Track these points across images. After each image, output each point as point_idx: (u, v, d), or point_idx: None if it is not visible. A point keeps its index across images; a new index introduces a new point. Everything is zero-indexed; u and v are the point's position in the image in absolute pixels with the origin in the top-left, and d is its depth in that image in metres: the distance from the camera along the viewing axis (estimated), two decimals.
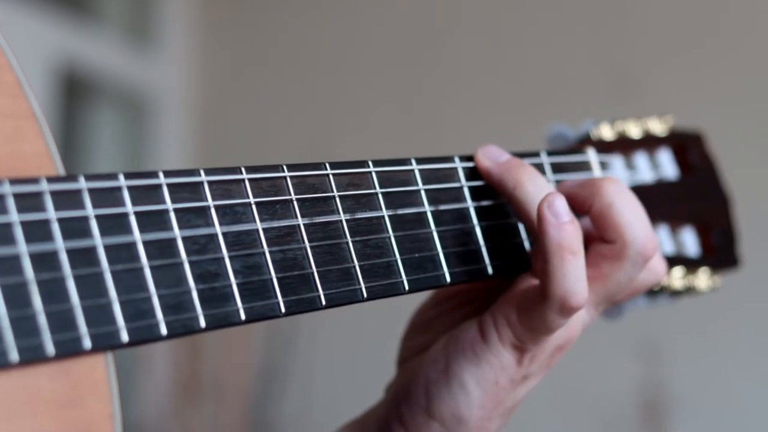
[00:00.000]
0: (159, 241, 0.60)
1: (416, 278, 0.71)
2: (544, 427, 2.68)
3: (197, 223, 0.62)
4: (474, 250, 0.75)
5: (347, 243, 0.68)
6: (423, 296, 0.82)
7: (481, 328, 0.75)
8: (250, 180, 0.65)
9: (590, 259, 0.75)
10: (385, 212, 0.71)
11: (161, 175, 0.61)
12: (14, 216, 0.55)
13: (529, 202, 0.74)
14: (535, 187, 0.74)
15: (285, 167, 0.67)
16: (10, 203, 0.55)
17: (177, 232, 0.61)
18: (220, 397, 2.70)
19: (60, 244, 0.56)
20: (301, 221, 0.66)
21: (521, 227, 0.78)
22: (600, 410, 2.58)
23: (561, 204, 0.72)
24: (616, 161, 0.86)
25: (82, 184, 0.58)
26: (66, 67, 2.76)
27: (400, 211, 0.72)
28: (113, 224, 0.58)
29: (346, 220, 0.69)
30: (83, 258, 0.57)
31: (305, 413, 2.72)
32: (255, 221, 0.64)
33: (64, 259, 0.56)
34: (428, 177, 0.74)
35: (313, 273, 0.66)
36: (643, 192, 0.83)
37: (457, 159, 0.76)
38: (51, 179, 0.57)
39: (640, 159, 0.88)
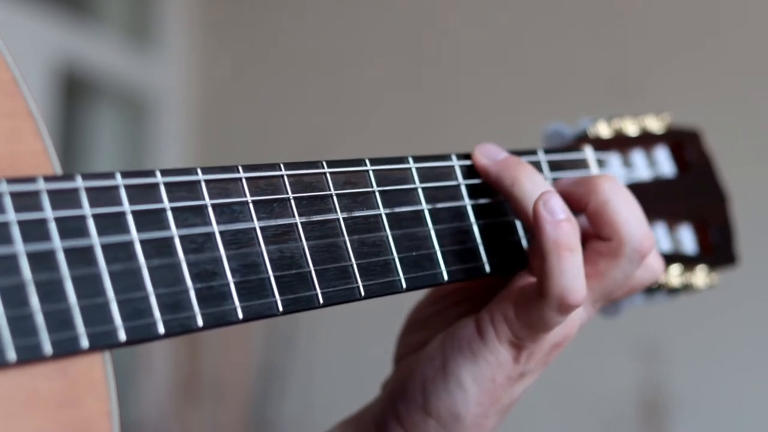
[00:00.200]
0: (156, 240, 0.60)
1: (414, 276, 0.71)
2: (543, 427, 2.68)
3: (194, 222, 0.62)
4: (471, 248, 0.75)
5: (344, 241, 0.68)
6: (421, 294, 0.82)
7: (478, 326, 0.75)
8: (247, 179, 0.65)
9: (587, 257, 0.75)
10: (382, 210, 0.71)
11: (158, 173, 0.61)
12: (11, 215, 0.55)
13: (527, 200, 0.74)
14: (533, 185, 0.74)
15: (282, 166, 0.67)
16: (7, 202, 0.55)
17: (174, 230, 0.61)
18: (219, 397, 2.70)
19: (57, 243, 0.56)
20: (298, 220, 0.66)
21: (518, 225, 0.78)
22: (600, 410, 2.58)
23: (556, 201, 0.72)
24: (613, 159, 0.86)
25: (79, 183, 0.58)
26: (66, 67, 2.76)
27: (398, 210, 0.72)
28: (110, 223, 0.58)
29: (344, 219, 0.69)
30: (80, 257, 0.57)
31: (305, 413, 2.72)
32: (252, 220, 0.64)
33: (61, 258, 0.56)
34: (425, 175, 0.74)
35: (310, 271, 0.66)
36: (640, 190, 0.83)
37: (454, 157, 0.76)
38: (48, 178, 0.57)
39: (637, 156, 0.88)
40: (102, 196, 0.58)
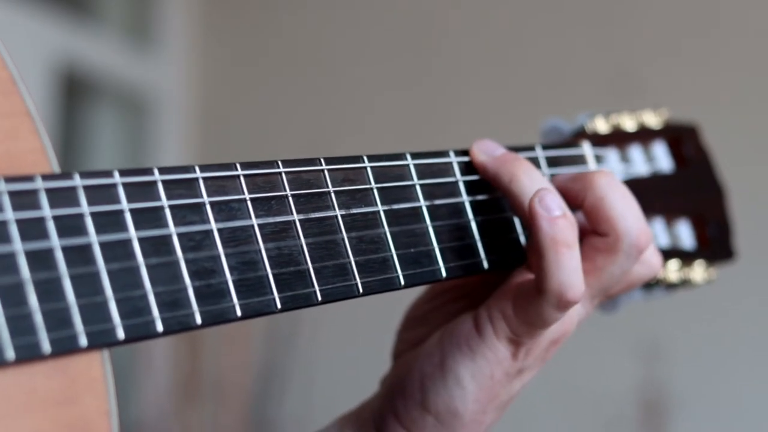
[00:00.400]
0: (154, 238, 0.60)
1: (412, 273, 0.71)
2: (544, 426, 2.68)
3: (192, 220, 0.62)
4: (469, 244, 0.75)
5: (343, 238, 0.68)
6: (420, 291, 0.82)
7: (476, 322, 0.75)
8: (245, 176, 0.65)
9: (584, 253, 0.75)
10: (380, 207, 0.71)
11: (156, 171, 0.61)
12: (9, 214, 0.55)
13: (525, 196, 0.74)
14: (531, 181, 0.74)
15: (280, 163, 0.67)
16: (5, 201, 0.55)
17: (172, 228, 0.61)
18: (220, 397, 2.70)
19: (55, 241, 0.56)
20: (296, 217, 0.66)
21: (517, 221, 0.78)
22: (600, 410, 2.58)
23: (552, 198, 0.72)
24: (611, 154, 0.86)
25: (77, 181, 0.58)
26: (66, 67, 2.76)
27: (396, 206, 0.72)
28: (108, 221, 0.58)
29: (342, 216, 0.69)
30: (79, 255, 0.57)
31: (305, 413, 2.72)
32: (250, 217, 0.64)
33: (59, 256, 0.56)
34: (423, 172, 0.74)
35: (308, 269, 0.66)
36: (637, 185, 0.83)
37: (452, 153, 0.76)
38: (46, 177, 0.57)
39: (635, 152, 0.88)
40: (100, 194, 0.58)
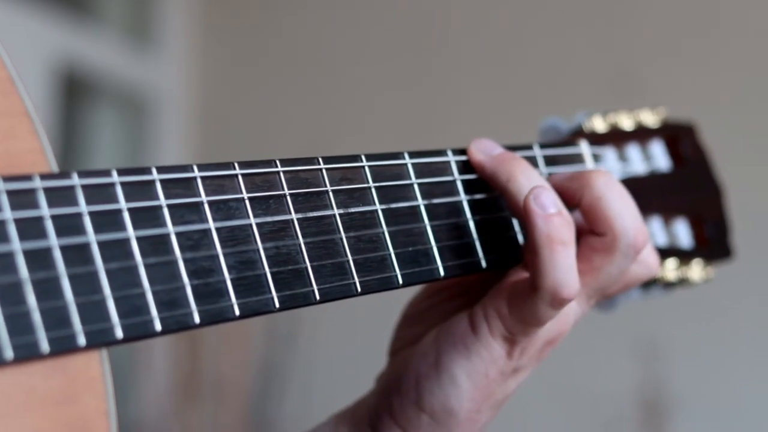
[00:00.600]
0: (152, 237, 0.60)
1: (410, 272, 0.71)
2: (543, 426, 2.68)
3: (191, 219, 0.62)
4: (468, 243, 0.75)
5: (341, 237, 0.68)
6: (417, 289, 0.82)
7: (472, 321, 0.75)
8: (243, 175, 0.65)
9: (581, 252, 0.75)
10: (378, 206, 0.71)
11: (154, 171, 0.61)
12: (8, 213, 0.55)
13: (522, 195, 0.74)
14: (528, 181, 0.74)
15: (278, 162, 0.67)
16: (4, 200, 0.55)
17: (170, 228, 0.61)
18: (220, 396, 2.70)
19: (54, 241, 0.56)
20: (294, 216, 0.66)
21: (515, 220, 0.78)
22: (600, 410, 2.58)
23: (547, 196, 0.72)
24: (609, 153, 0.86)
25: (75, 180, 0.58)
26: (66, 67, 2.76)
27: (394, 205, 0.72)
28: (107, 221, 0.58)
29: (340, 215, 0.69)
30: (77, 255, 0.57)
31: (305, 413, 2.72)
32: (248, 216, 0.64)
33: (57, 256, 0.56)
34: (421, 171, 0.74)
35: (306, 268, 0.66)
36: (635, 184, 0.83)
37: (450, 152, 0.76)
38: (44, 176, 0.57)
39: (633, 151, 0.89)
40: (98, 193, 0.58)
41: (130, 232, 0.59)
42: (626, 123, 0.89)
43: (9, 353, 0.53)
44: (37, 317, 0.54)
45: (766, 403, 2.54)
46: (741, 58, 2.63)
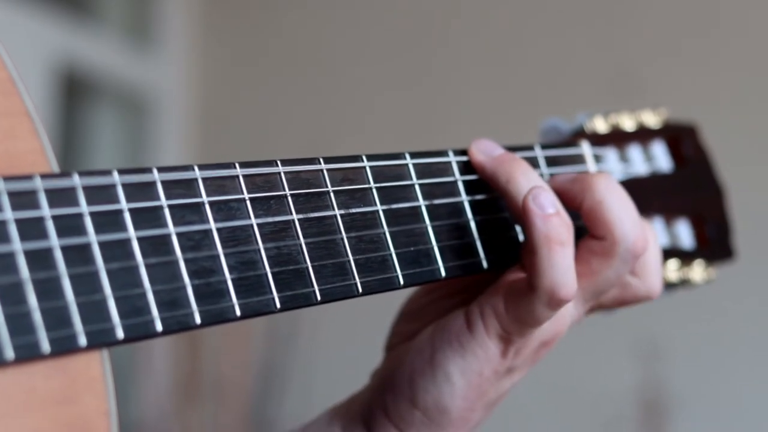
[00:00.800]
0: (153, 238, 0.60)
1: (411, 273, 0.71)
2: (543, 426, 2.68)
3: (192, 219, 0.62)
4: (469, 244, 0.75)
5: (342, 238, 0.68)
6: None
7: (468, 319, 0.75)
8: (244, 176, 0.65)
9: (580, 255, 0.75)
10: (379, 207, 0.71)
11: (155, 171, 0.61)
12: (8, 213, 0.55)
13: (521, 196, 0.74)
14: (528, 181, 0.74)
15: (279, 162, 0.67)
16: (4, 201, 0.55)
17: (171, 228, 0.61)
18: (220, 397, 2.70)
19: (54, 241, 0.56)
20: (295, 216, 0.66)
21: None
22: (600, 410, 2.58)
23: (546, 196, 0.72)
24: (610, 154, 0.86)
25: (76, 181, 0.58)
26: (66, 67, 2.76)
27: (395, 206, 0.72)
28: (108, 221, 0.58)
29: (341, 215, 0.69)
30: (78, 255, 0.57)
31: (305, 412, 2.71)
32: (249, 217, 0.64)
33: (58, 256, 0.56)
34: (422, 171, 0.74)
35: (308, 268, 0.66)
36: (637, 184, 0.83)
37: (451, 153, 0.76)
38: (45, 176, 0.57)
39: (634, 151, 0.89)
40: (99, 193, 0.58)
41: (131, 232, 0.59)
42: (627, 124, 0.89)
43: (10, 353, 0.53)
44: (37, 317, 0.54)
45: (766, 403, 2.54)
46: (741, 58, 2.63)
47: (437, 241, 0.73)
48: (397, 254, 0.70)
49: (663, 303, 0.85)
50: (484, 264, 0.75)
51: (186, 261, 0.61)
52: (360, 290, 0.68)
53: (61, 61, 2.73)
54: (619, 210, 0.75)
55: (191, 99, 3.15)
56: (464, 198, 0.75)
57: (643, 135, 0.89)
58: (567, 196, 0.76)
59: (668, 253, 0.87)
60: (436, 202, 0.74)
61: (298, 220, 0.66)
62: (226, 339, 2.71)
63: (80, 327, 0.56)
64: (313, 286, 0.66)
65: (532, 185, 0.74)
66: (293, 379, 2.79)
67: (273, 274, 0.64)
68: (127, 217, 0.59)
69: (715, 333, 2.56)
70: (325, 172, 0.69)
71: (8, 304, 0.54)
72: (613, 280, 0.76)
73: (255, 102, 3.09)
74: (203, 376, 2.72)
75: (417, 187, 0.73)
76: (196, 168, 0.62)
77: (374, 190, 0.71)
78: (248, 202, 0.64)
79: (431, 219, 0.73)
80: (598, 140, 0.86)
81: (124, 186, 0.59)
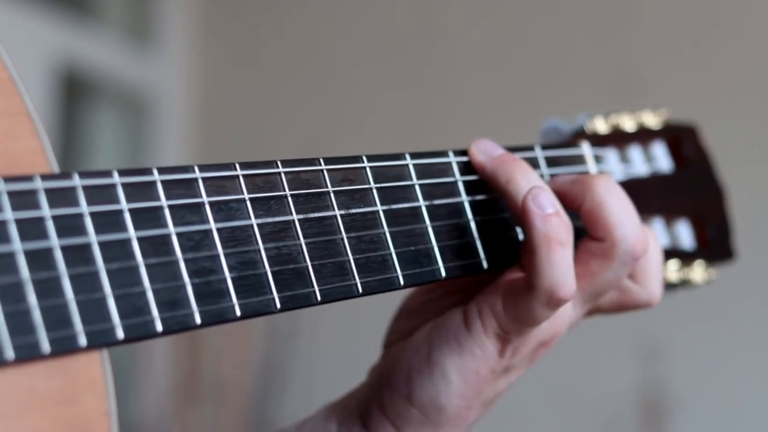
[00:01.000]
0: (154, 238, 0.60)
1: (411, 273, 0.71)
2: (543, 426, 2.68)
3: (192, 220, 0.62)
4: (469, 244, 0.75)
5: (342, 238, 0.68)
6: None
7: (466, 317, 0.75)
8: (244, 176, 0.65)
9: (579, 256, 0.75)
10: (379, 207, 0.71)
11: (155, 171, 0.61)
12: (8, 214, 0.55)
13: (521, 196, 0.74)
14: (527, 182, 0.74)
15: (279, 163, 0.67)
16: (5, 201, 0.55)
17: (171, 228, 0.61)
18: (220, 397, 2.70)
19: (55, 241, 0.56)
20: (295, 217, 0.66)
21: None
22: (600, 410, 2.58)
23: (546, 196, 0.72)
24: (611, 154, 0.86)
25: (77, 181, 0.58)
26: (66, 67, 2.76)
27: (395, 206, 0.72)
28: (108, 221, 0.58)
29: (341, 216, 0.69)
30: (78, 255, 0.57)
31: (305, 413, 2.71)
32: (249, 217, 0.64)
33: (58, 256, 0.56)
34: (422, 172, 0.74)
35: (308, 268, 0.66)
36: (637, 185, 0.83)
37: (451, 153, 0.76)
38: (45, 177, 0.57)
39: (635, 152, 0.89)
40: (99, 193, 0.58)
41: (131, 232, 0.59)
42: (628, 124, 0.89)
43: (10, 353, 0.53)
44: (38, 317, 0.55)
45: (766, 403, 2.54)
46: (741, 58, 2.63)
47: (437, 241, 0.73)
48: (397, 254, 0.70)
49: (663, 303, 0.85)
50: (485, 264, 0.75)
51: (186, 261, 0.61)
52: (360, 290, 0.68)
53: (61, 61, 2.73)
54: (619, 212, 0.75)
55: (191, 99, 3.15)
56: (464, 198, 0.75)
57: (643, 135, 0.89)
58: (567, 197, 0.76)
59: (669, 254, 0.87)
60: (437, 202, 0.74)
61: (298, 220, 0.66)
62: (226, 339, 2.71)
63: (80, 327, 0.56)
64: (313, 287, 0.66)
65: (531, 185, 0.74)
66: (293, 379, 2.79)
67: (273, 274, 0.64)
68: (127, 218, 0.59)
69: (715, 333, 2.56)
70: (325, 172, 0.69)
71: (8, 304, 0.54)
72: (612, 281, 0.76)
73: (255, 102, 3.09)
74: (203, 376, 2.73)
75: (417, 188, 0.73)
76: (196, 168, 0.62)
77: (374, 191, 0.71)
78: (248, 203, 0.64)
79: (431, 219, 0.73)
80: (598, 141, 0.86)
81: (124, 186, 0.59)
